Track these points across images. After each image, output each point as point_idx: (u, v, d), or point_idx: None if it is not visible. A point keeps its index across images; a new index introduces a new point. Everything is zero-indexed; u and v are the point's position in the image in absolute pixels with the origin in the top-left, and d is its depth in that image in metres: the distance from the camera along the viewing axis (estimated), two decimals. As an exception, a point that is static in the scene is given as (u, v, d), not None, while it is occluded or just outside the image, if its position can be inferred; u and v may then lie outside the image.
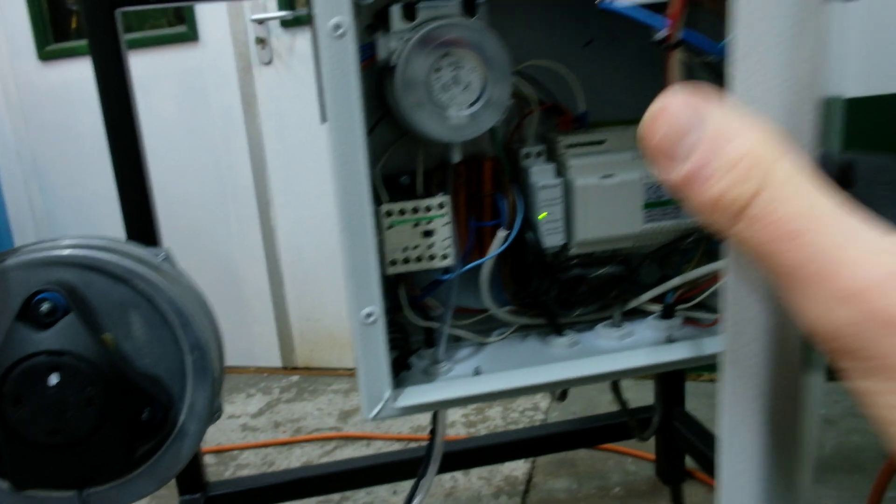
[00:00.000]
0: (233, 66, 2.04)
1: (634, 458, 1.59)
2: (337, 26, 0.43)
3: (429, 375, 0.55)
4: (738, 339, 0.24)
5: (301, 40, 1.98)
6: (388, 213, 0.52)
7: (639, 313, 0.61)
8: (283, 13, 1.95)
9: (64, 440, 0.47)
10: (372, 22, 0.56)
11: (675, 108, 0.21)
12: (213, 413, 0.58)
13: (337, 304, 2.20)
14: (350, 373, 2.26)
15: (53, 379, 0.47)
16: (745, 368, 0.24)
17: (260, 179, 2.12)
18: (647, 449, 1.53)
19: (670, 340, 0.56)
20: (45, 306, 0.48)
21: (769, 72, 0.22)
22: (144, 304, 0.54)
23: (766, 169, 0.19)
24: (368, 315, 0.48)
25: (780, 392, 0.24)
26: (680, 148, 0.21)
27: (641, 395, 1.63)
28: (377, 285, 0.47)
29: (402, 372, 0.55)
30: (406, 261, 0.54)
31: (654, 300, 0.59)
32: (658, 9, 0.39)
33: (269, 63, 2.02)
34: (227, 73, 2.05)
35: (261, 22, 1.97)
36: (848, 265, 0.17)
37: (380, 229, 0.52)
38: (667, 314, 0.58)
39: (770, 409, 0.24)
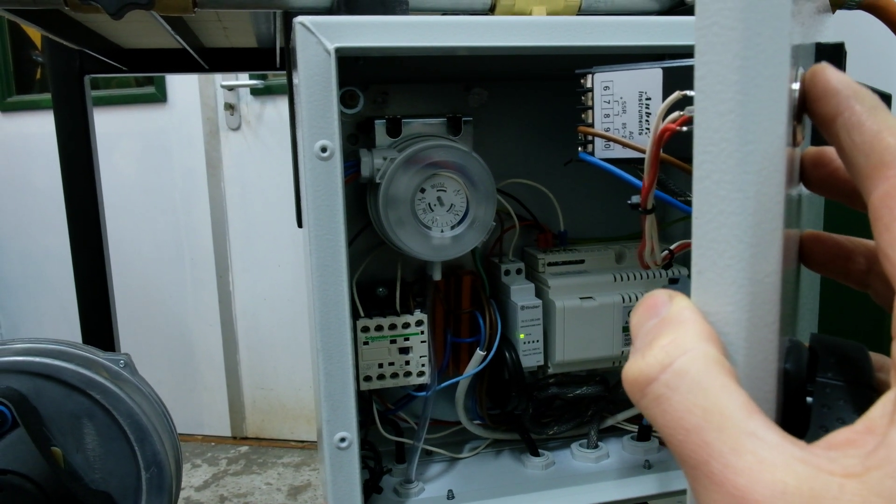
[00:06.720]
0: (199, 129, 2.02)
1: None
2: (324, 148, 0.42)
3: (399, 496, 0.53)
4: None
5: (270, 109, 1.98)
6: (365, 329, 0.51)
7: (616, 430, 0.60)
8: (254, 82, 1.95)
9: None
10: (353, 132, 0.55)
11: (652, 298, 0.23)
12: (166, 530, 0.54)
13: (291, 373, 2.14)
14: (303, 445, 2.19)
15: (-6, 501, 0.44)
16: None
17: (220, 244, 2.08)
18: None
19: (647, 465, 0.55)
20: (-9, 421, 0.45)
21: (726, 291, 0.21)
22: (100, 416, 0.51)
23: (681, 355, 0.20)
24: (342, 440, 0.45)
25: None
26: (638, 330, 0.22)
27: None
28: (353, 409, 0.45)
29: (372, 494, 0.52)
30: (381, 377, 0.52)
31: (631, 419, 0.58)
32: (631, 164, 0.39)
33: (237, 129, 2.01)
34: (193, 137, 2.03)
35: (231, 89, 1.97)
36: (742, 474, 0.17)
37: (356, 345, 0.50)
38: (643, 436, 0.57)
39: None
